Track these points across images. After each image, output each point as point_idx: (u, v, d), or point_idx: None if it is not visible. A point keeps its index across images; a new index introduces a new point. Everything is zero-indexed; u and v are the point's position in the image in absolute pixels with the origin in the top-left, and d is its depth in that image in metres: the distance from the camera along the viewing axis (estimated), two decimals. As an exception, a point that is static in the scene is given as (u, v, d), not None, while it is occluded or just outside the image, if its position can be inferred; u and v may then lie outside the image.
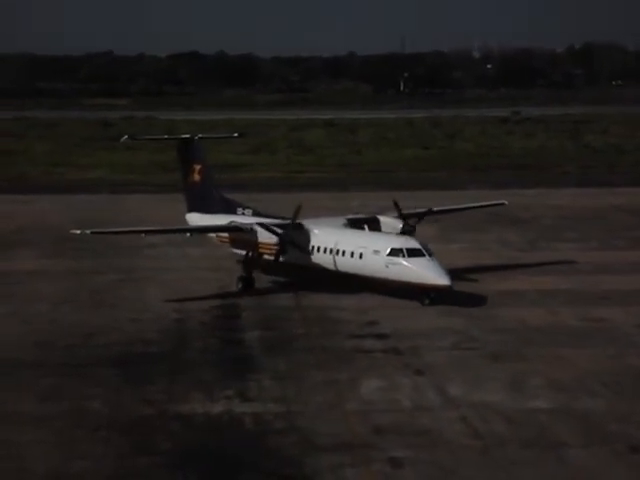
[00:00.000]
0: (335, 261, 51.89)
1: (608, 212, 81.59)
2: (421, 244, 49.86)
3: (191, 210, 60.30)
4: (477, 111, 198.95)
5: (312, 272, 53.34)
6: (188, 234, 58.39)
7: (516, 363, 40.38)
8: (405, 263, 49.01)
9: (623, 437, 32.40)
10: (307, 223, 53.59)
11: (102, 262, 60.75)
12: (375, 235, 52.84)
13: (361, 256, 50.72)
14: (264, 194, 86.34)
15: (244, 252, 54.72)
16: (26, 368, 39.91)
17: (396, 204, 54.39)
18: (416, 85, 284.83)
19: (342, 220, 55.20)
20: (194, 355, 41.95)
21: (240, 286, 53.56)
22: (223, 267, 57.95)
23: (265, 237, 52.36)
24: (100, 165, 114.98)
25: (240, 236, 54.25)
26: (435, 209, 57.08)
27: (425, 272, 48.48)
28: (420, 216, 55.63)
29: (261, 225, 52.84)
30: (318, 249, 52.58)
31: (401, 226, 53.70)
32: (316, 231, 53.11)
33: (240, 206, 58.23)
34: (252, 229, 53.02)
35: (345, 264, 51.52)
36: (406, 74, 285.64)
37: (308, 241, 52.75)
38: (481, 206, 64.22)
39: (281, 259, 52.73)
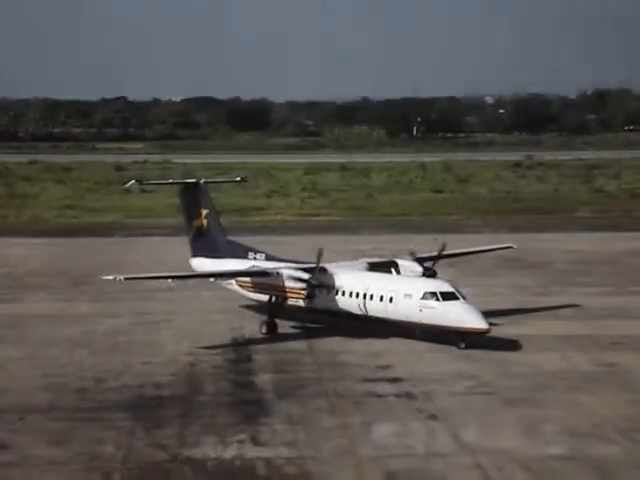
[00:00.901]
0: (365, 306, 51.08)
1: (622, 257, 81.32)
2: (453, 287, 49.40)
3: (196, 255, 59.58)
4: (490, 155, 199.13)
5: (339, 317, 52.64)
6: (212, 279, 56.79)
7: (531, 409, 40.07)
8: (440, 307, 48.38)
9: (639, 484, 32.10)
10: (331, 267, 53.02)
11: (116, 306, 60.82)
12: (404, 278, 52.09)
13: (391, 300, 49.86)
14: (274, 237, 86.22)
15: (263, 297, 54.12)
16: (38, 412, 39.79)
17: (412, 253, 54.44)
18: (429, 129, 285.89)
19: (364, 264, 54.78)
20: (206, 399, 41.77)
21: (264, 330, 52.95)
22: (233, 310, 57.93)
23: (292, 282, 51.80)
24: (115, 209, 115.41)
25: (265, 281, 53.47)
26: (444, 253, 56.78)
27: (462, 316, 47.89)
28: (434, 259, 55.54)
29: (288, 269, 52.34)
30: (344, 293, 51.71)
31: (420, 269, 53.36)
32: (342, 275, 52.39)
33: (251, 250, 57.74)
34: (278, 273, 52.36)
35: (375, 308, 50.58)
36: (419, 119, 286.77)
37: (335, 285, 51.99)
38: (490, 250, 64.34)
39: (308, 304, 52.26)
